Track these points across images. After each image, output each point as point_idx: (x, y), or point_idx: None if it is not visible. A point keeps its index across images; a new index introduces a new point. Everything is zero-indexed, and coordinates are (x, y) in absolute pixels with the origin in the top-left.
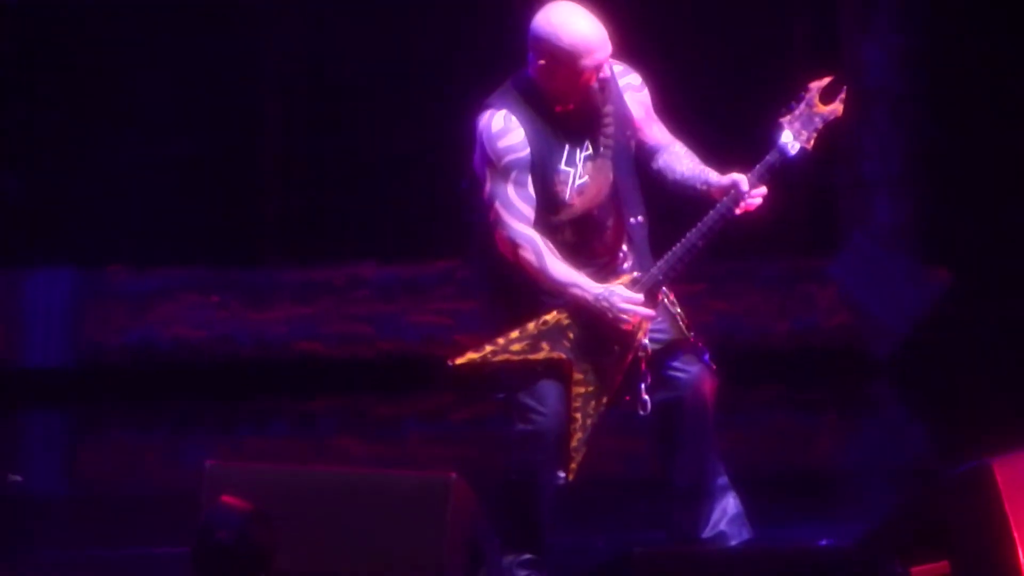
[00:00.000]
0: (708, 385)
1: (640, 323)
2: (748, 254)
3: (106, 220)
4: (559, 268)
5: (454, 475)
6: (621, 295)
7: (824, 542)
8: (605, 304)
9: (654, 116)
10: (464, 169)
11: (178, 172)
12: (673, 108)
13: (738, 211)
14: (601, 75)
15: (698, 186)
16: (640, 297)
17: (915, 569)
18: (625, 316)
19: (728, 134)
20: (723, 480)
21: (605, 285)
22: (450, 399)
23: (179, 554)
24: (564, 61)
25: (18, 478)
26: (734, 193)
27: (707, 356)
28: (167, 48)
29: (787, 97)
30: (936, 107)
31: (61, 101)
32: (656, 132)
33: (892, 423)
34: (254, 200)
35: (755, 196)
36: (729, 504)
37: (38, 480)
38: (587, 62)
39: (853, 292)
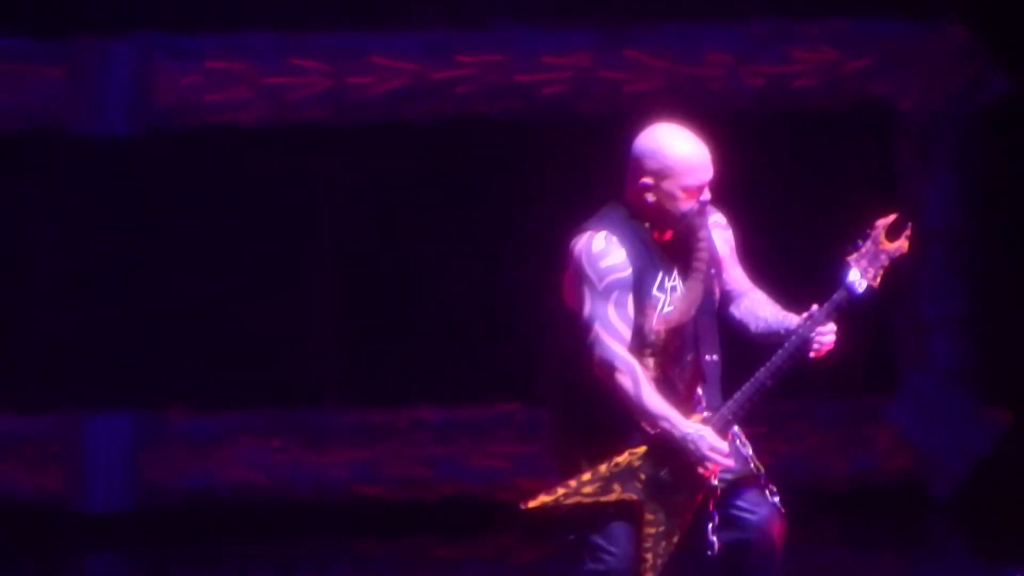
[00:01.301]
0: (777, 527)
1: (716, 470)
2: (807, 395)
3: (166, 363)
4: (653, 398)
5: None
6: (709, 442)
7: None
8: (692, 447)
9: (736, 259)
10: (539, 304)
11: (238, 316)
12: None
13: (811, 352)
14: (702, 199)
15: (781, 332)
16: (726, 447)
17: None
18: (708, 464)
19: (788, 278)
20: None
21: (696, 426)
22: (511, 542)
23: None
24: (668, 177)
25: None
26: (803, 331)
27: (776, 498)
28: (226, 189)
29: (852, 236)
30: (994, 246)
31: (122, 241)
32: (738, 275)
33: (952, 564)
34: (314, 343)
35: (827, 335)
36: None
37: None
38: (691, 181)
39: (913, 433)
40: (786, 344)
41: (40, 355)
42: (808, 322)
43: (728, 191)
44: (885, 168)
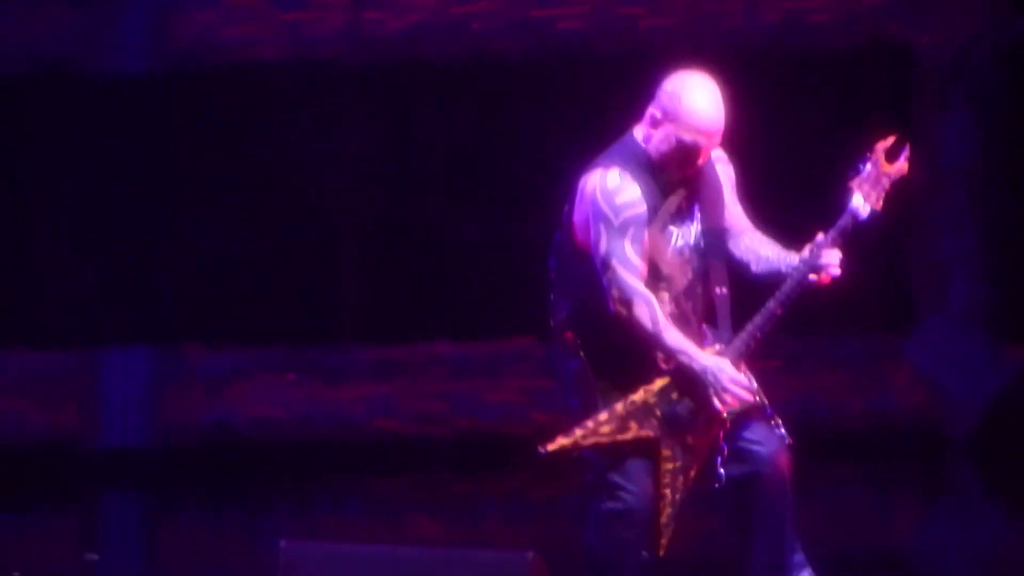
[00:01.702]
0: (785, 460)
1: (731, 404)
2: (823, 332)
3: (184, 300)
4: (671, 332)
5: (531, 553)
6: (728, 374)
7: None
8: (711, 379)
9: (736, 196)
10: (551, 242)
11: (256, 252)
12: (746, 189)
13: (814, 277)
14: (691, 166)
15: (783, 269)
16: (745, 380)
17: None
18: (727, 396)
19: (801, 214)
20: (799, 557)
21: (714, 359)
22: (528, 477)
23: None
24: (673, 121)
25: (95, 557)
26: (809, 258)
27: (783, 430)
28: (245, 130)
29: (855, 160)
30: (1012, 185)
31: (141, 180)
32: (738, 213)
33: (969, 503)
34: (330, 279)
35: (833, 264)
36: None
37: (115, 559)
38: (688, 137)
39: (930, 371)
40: (793, 272)
41: (58, 292)
42: (815, 249)
43: (743, 127)
44: (902, 106)
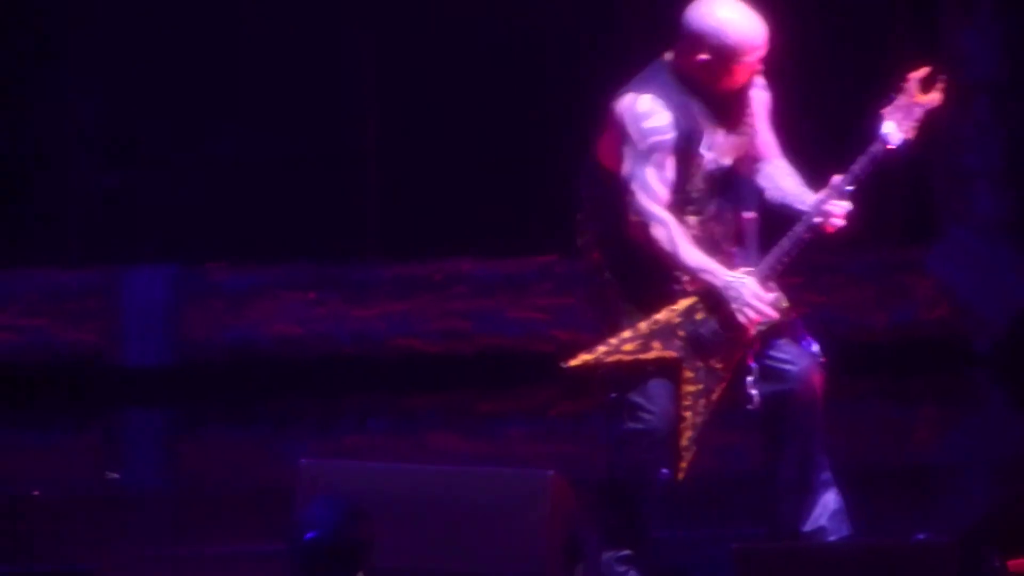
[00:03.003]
0: (818, 378)
1: (756, 323)
2: (845, 247)
3: (205, 217)
4: (691, 251)
5: (552, 472)
6: (752, 289)
7: (921, 536)
8: (734, 294)
9: (768, 123)
10: (579, 161)
11: (278, 169)
12: (776, 104)
13: (819, 220)
14: (759, 67)
15: (796, 205)
16: (769, 296)
17: (1012, 562)
18: (750, 311)
19: (828, 128)
20: (827, 475)
21: (737, 275)
22: (551, 395)
23: (277, 551)
24: (728, 56)
25: (116, 475)
26: (840, 183)
27: (816, 348)
28: (268, 47)
29: (887, 89)
30: None
31: (163, 98)
32: (768, 140)
33: (993, 415)
34: (353, 196)
35: (838, 215)
36: (831, 499)
37: (137, 477)
38: (750, 58)
39: (952, 284)
40: (820, 195)
41: (80, 209)
42: (829, 192)
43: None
44: (927, 19)
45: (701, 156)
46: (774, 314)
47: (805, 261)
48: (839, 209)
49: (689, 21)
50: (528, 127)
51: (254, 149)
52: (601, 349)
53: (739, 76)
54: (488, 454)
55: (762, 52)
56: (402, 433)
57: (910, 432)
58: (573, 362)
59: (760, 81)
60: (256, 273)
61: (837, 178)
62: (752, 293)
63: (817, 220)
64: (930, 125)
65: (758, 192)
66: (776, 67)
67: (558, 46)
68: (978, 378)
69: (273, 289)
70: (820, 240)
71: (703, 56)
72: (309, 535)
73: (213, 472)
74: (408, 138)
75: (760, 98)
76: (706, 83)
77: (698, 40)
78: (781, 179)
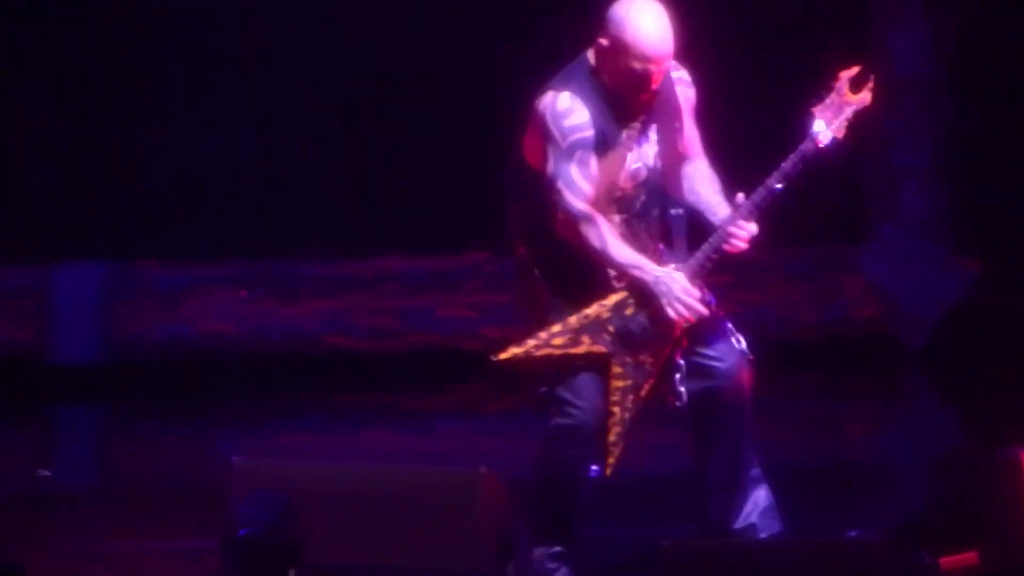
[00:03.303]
0: (746, 374)
1: (685, 319)
2: (776, 244)
3: (137, 214)
4: (621, 248)
5: (484, 468)
6: (681, 284)
7: (853, 533)
8: (664, 289)
9: (693, 120)
10: (506, 159)
11: (209, 166)
12: (705, 101)
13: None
14: (645, 90)
15: (709, 216)
16: (698, 292)
17: (944, 560)
18: (680, 306)
19: (761, 127)
20: (756, 472)
21: (667, 270)
22: (482, 393)
23: (211, 548)
24: (620, 51)
25: (47, 473)
26: (771, 183)
27: (744, 345)
28: (202, 46)
29: (818, 87)
30: (967, 95)
31: (95, 95)
32: (692, 137)
33: (923, 413)
34: (284, 194)
35: (741, 238)
36: (761, 496)
37: (68, 475)
38: (638, 65)
39: (883, 282)
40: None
41: (11, 206)
42: (732, 215)
43: (697, 37)
44: (858, 19)
45: (622, 154)
46: (703, 310)
47: (737, 259)
48: (744, 233)
49: (605, 23)
50: (457, 125)
51: (186, 147)
52: (531, 343)
53: (630, 79)
54: (420, 451)
55: (652, 67)
56: (333, 430)
57: (842, 430)
58: (503, 355)
59: (686, 78)
60: (188, 271)
61: (742, 198)
62: (682, 288)
63: (723, 238)
64: (860, 124)
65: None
66: (709, 65)
67: (481, 44)
68: (909, 376)
69: (205, 286)
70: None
71: (603, 41)
72: (242, 532)
73: (146, 469)
74: (339, 137)
75: (685, 95)
76: (610, 74)
77: (607, 23)
78: (698, 183)
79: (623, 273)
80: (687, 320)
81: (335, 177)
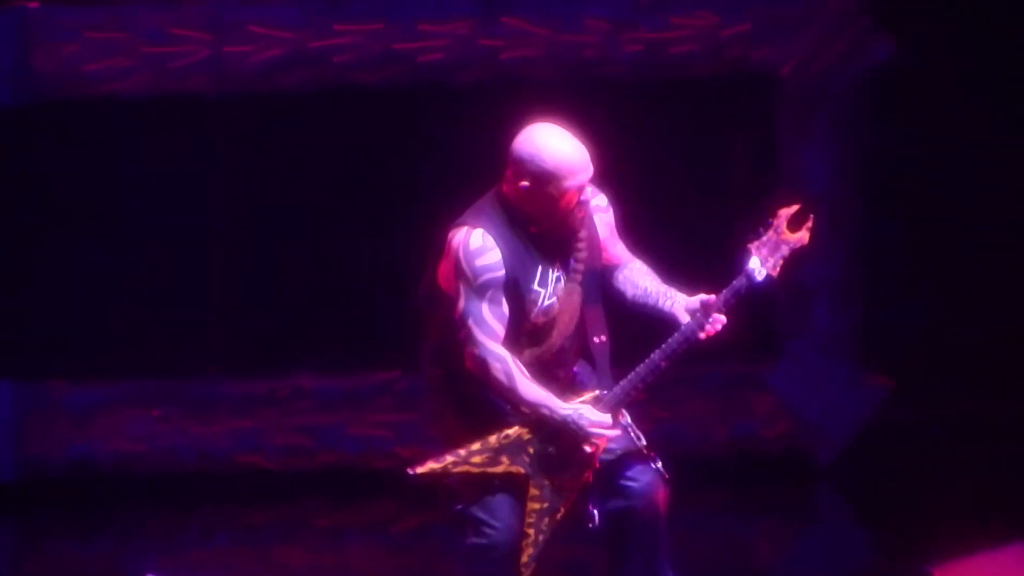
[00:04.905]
0: (661, 493)
1: (602, 446)
2: (687, 361)
3: (46, 333)
4: (529, 388)
5: None
6: (588, 418)
7: None
8: (573, 427)
9: (616, 236)
10: (422, 282)
11: (119, 286)
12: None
13: (703, 335)
14: (582, 198)
15: (661, 304)
16: (608, 419)
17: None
18: (593, 439)
19: (673, 242)
20: None
21: (574, 406)
22: (392, 510)
23: None
24: (548, 182)
25: None
26: (700, 316)
27: (659, 464)
28: (112, 158)
29: (754, 223)
30: (875, 214)
31: (2, 210)
32: (618, 250)
33: (834, 530)
34: (195, 313)
35: (717, 321)
36: None
37: None
38: (570, 183)
39: (793, 400)
40: (683, 327)
41: None
42: (706, 310)
43: (606, 159)
44: (766, 135)
45: (534, 292)
46: (615, 434)
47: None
48: (718, 324)
49: (512, 149)
50: (368, 241)
51: (95, 266)
52: (449, 459)
53: (562, 205)
54: (330, 567)
55: (583, 178)
56: (245, 547)
57: (752, 546)
58: (420, 469)
59: (603, 205)
60: (98, 389)
61: (711, 298)
62: (589, 422)
63: (701, 336)
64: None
65: (605, 319)
66: (614, 182)
67: (393, 160)
68: (821, 493)
69: (116, 405)
70: (674, 368)
71: (524, 183)
72: None
73: None
74: (249, 255)
75: (603, 220)
76: (533, 214)
77: (519, 166)
78: (640, 279)
79: (531, 412)
80: (601, 450)
81: (246, 295)
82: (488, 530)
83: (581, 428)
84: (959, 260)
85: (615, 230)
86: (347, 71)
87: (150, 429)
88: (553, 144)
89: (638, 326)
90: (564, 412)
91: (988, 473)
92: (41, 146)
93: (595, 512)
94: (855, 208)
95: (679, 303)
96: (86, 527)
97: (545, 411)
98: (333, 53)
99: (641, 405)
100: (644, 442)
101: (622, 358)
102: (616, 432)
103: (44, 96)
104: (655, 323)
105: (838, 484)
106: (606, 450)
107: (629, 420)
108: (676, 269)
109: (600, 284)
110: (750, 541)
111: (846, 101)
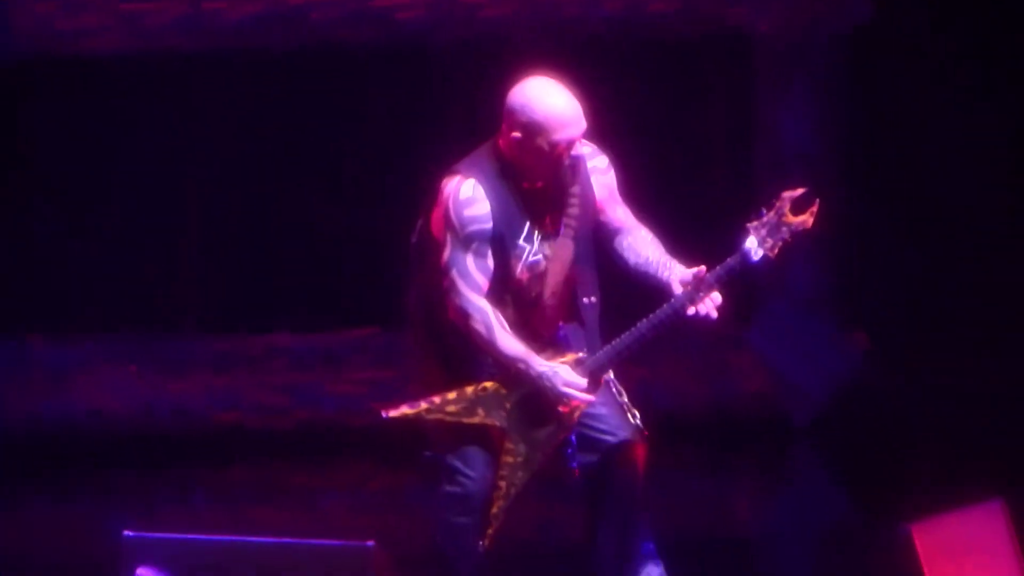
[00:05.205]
0: (639, 449)
1: (577, 406)
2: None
3: (23, 289)
4: (508, 342)
5: (372, 543)
6: (563, 378)
7: None
8: (547, 384)
9: (618, 198)
10: (415, 228)
11: (95, 241)
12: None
13: (691, 311)
14: (573, 154)
15: (660, 274)
16: (582, 382)
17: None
18: (564, 399)
19: (653, 199)
20: (649, 546)
21: (551, 365)
22: (368, 469)
23: None
24: (537, 134)
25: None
26: (691, 290)
27: (639, 420)
28: (87, 116)
29: (703, 168)
30: (852, 173)
31: None
32: (620, 214)
33: (811, 488)
34: (171, 270)
35: (711, 309)
36: (653, 571)
37: None
38: (559, 136)
39: (771, 358)
40: (672, 299)
41: None
42: (698, 284)
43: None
44: (743, 95)
45: (520, 247)
46: (589, 398)
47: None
48: (713, 302)
49: (507, 99)
50: (346, 197)
51: (73, 222)
52: (423, 406)
53: (552, 159)
54: (306, 527)
55: (573, 132)
56: (222, 506)
57: (730, 505)
58: (394, 413)
59: (601, 165)
60: (75, 347)
61: (706, 272)
62: (563, 381)
63: (690, 311)
64: (745, 194)
65: (597, 281)
66: (599, 143)
67: (372, 116)
68: (797, 452)
69: (92, 363)
70: (660, 338)
71: (516, 134)
72: None
73: (34, 547)
74: (226, 212)
75: (602, 181)
76: (524, 168)
77: (511, 117)
78: (643, 248)
79: (508, 366)
80: (574, 409)
81: (223, 253)
82: (463, 479)
83: (555, 387)
84: (938, 219)
85: (615, 192)
86: (324, 28)
87: (126, 387)
88: (545, 97)
89: (635, 292)
90: (540, 369)
91: (965, 433)
92: (17, 104)
93: (574, 466)
94: (834, 167)
95: (675, 274)
96: (61, 485)
97: (521, 365)
98: (310, 10)
99: (622, 362)
100: (625, 398)
101: (615, 322)
102: (591, 397)
103: (19, 54)
104: (652, 292)
105: (816, 443)
106: (587, 413)
107: (625, 398)
108: (654, 230)
109: (593, 245)
110: (728, 500)
111: (824, 61)
